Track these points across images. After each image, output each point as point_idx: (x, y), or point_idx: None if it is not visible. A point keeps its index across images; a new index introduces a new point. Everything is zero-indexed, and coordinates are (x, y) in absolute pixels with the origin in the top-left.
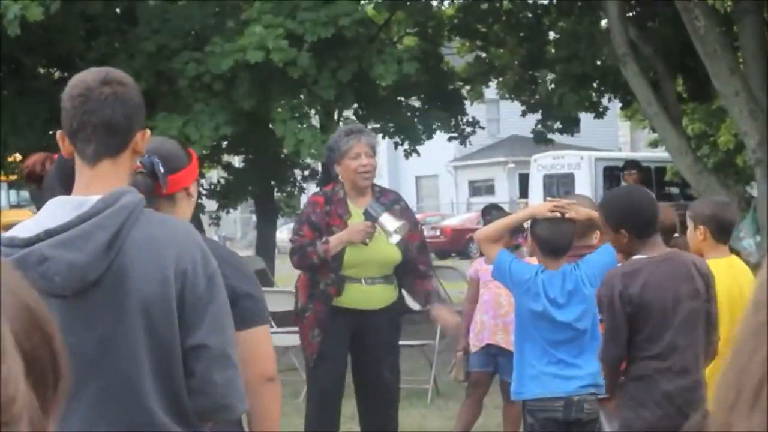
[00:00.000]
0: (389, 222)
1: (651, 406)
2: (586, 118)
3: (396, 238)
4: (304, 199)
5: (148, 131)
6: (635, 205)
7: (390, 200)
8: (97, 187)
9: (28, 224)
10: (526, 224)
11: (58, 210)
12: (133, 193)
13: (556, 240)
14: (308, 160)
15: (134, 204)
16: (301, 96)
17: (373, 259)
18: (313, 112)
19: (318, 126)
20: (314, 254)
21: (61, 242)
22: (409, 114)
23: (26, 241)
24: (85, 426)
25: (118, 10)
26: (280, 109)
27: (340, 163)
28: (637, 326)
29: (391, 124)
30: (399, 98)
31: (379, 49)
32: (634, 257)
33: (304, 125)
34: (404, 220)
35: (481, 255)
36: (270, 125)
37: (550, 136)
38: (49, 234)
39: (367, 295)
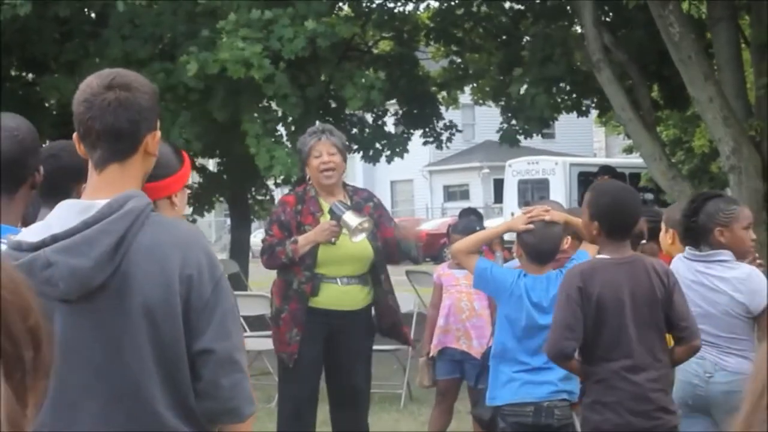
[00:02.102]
0: (352, 219)
1: (614, 407)
2: (561, 124)
3: (359, 237)
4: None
5: (159, 133)
6: (617, 205)
7: (362, 198)
8: (105, 191)
9: (37, 227)
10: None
11: (65, 213)
12: (139, 197)
13: (543, 245)
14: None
15: (140, 208)
16: (271, 104)
17: (347, 256)
18: (281, 126)
19: (287, 143)
20: (282, 253)
21: (66, 247)
22: (368, 131)
23: (33, 246)
24: (95, 430)
25: (93, 14)
26: (251, 123)
27: (307, 164)
28: (595, 327)
29: (355, 144)
30: (364, 115)
31: (351, 72)
32: (597, 257)
33: (277, 142)
34: (368, 217)
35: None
36: (241, 130)
37: (519, 138)
38: (54, 239)
39: (343, 295)
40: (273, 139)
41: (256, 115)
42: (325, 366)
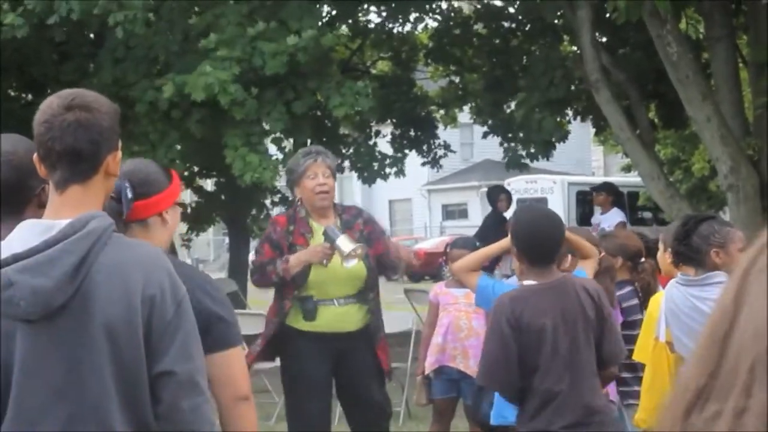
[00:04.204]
0: (345, 244)
1: None
2: (558, 142)
3: (351, 262)
4: None
5: (120, 153)
6: (534, 233)
7: (352, 215)
8: (67, 212)
9: None
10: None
11: (26, 233)
12: (101, 217)
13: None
14: (277, 186)
15: (102, 229)
16: (258, 126)
17: (338, 276)
18: (266, 140)
19: (269, 153)
20: (273, 273)
21: (27, 267)
22: (362, 150)
23: None
24: None
25: (91, 35)
26: (233, 138)
27: (298, 185)
28: (529, 354)
29: (348, 163)
30: (363, 130)
31: (339, 82)
32: (524, 283)
33: (252, 150)
34: (361, 243)
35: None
36: (222, 143)
37: (526, 162)
38: (15, 258)
39: (341, 316)
40: (248, 148)
41: (235, 132)
42: (340, 389)
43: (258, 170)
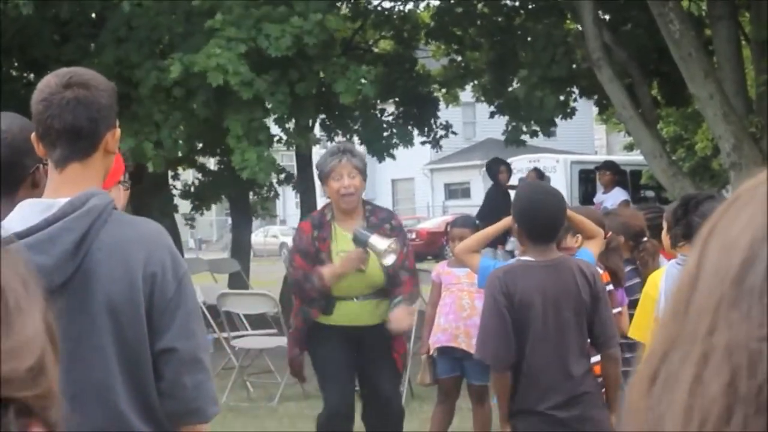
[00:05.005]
0: (379, 242)
1: (542, 415)
2: (562, 121)
3: (391, 258)
4: (279, 204)
5: (119, 130)
6: (535, 210)
7: (380, 218)
8: (66, 190)
9: None
10: None
11: (27, 212)
12: (101, 195)
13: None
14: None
15: (102, 206)
16: (260, 111)
17: (359, 283)
18: (269, 122)
19: (267, 145)
20: (313, 291)
21: (27, 245)
22: (375, 124)
23: None
24: None
25: (93, 14)
26: (235, 121)
27: (326, 184)
28: (520, 331)
29: (356, 137)
30: (368, 109)
31: (344, 66)
32: (521, 258)
33: (252, 144)
34: (393, 238)
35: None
36: (225, 125)
37: (524, 139)
38: (16, 237)
39: (359, 311)
40: (248, 141)
41: (238, 117)
42: (359, 380)
43: (254, 170)
